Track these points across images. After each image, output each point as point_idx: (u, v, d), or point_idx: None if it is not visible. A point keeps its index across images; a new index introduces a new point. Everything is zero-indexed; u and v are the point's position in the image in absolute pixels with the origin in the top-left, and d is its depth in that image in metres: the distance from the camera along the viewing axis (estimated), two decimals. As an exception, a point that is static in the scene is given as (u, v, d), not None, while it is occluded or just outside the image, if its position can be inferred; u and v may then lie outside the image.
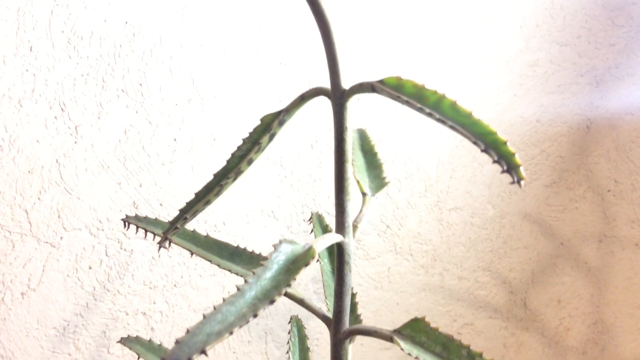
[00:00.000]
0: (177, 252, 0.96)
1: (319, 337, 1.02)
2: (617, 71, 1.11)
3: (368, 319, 1.04)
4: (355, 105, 1.03)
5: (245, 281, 0.39)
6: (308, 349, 0.68)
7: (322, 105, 1.01)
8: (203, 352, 0.34)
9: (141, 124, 0.94)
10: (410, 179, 1.05)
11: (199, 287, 0.98)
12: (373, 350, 1.05)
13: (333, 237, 0.47)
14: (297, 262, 0.42)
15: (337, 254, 0.48)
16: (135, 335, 0.57)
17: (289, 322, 0.70)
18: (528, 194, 1.09)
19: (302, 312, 0.86)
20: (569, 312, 1.11)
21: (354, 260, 1.03)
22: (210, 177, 0.48)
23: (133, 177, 0.94)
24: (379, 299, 1.04)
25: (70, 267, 0.92)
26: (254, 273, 0.40)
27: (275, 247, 0.42)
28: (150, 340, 0.57)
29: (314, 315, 1.03)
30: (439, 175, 1.06)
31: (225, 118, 0.98)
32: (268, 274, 0.41)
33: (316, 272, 1.00)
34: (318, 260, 0.58)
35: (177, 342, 0.34)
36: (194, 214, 0.45)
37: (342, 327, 0.50)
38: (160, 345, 0.58)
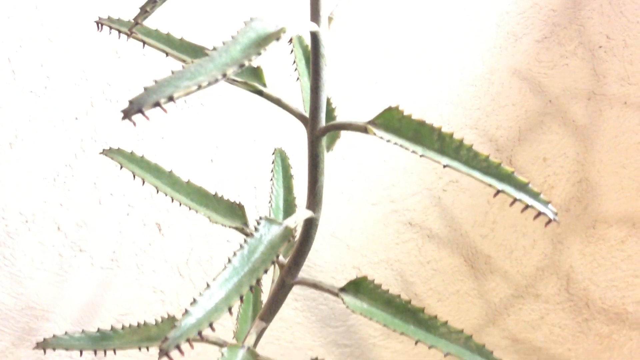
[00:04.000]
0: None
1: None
2: None
3: (353, 181, 1.05)
4: None
5: (214, 48, 0.39)
6: (292, 176, 0.69)
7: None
8: (171, 98, 0.34)
9: (120, -31, 0.91)
10: (395, 34, 1.03)
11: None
12: (361, 207, 1.07)
13: (307, 25, 0.46)
14: (268, 38, 0.41)
15: (312, 47, 0.48)
16: (117, 147, 0.58)
17: (273, 154, 0.71)
18: (518, 50, 1.08)
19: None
20: (554, 170, 1.13)
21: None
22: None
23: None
24: (365, 158, 1.05)
25: (56, 117, 0.92)
26: (224, 43, 0.40)
27: (246, 23, 0.42)
28: (132, 152, 0.58)
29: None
30: (425, 29, 1.04)
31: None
32: (238, 47, 0.40)
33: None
34: (297, 73, 0.58)
35: (145, 89, 0.34)
36: (164, -2, 0.44)
37: (318, 124, 0.50)
38: (142, 156, 0.58)
